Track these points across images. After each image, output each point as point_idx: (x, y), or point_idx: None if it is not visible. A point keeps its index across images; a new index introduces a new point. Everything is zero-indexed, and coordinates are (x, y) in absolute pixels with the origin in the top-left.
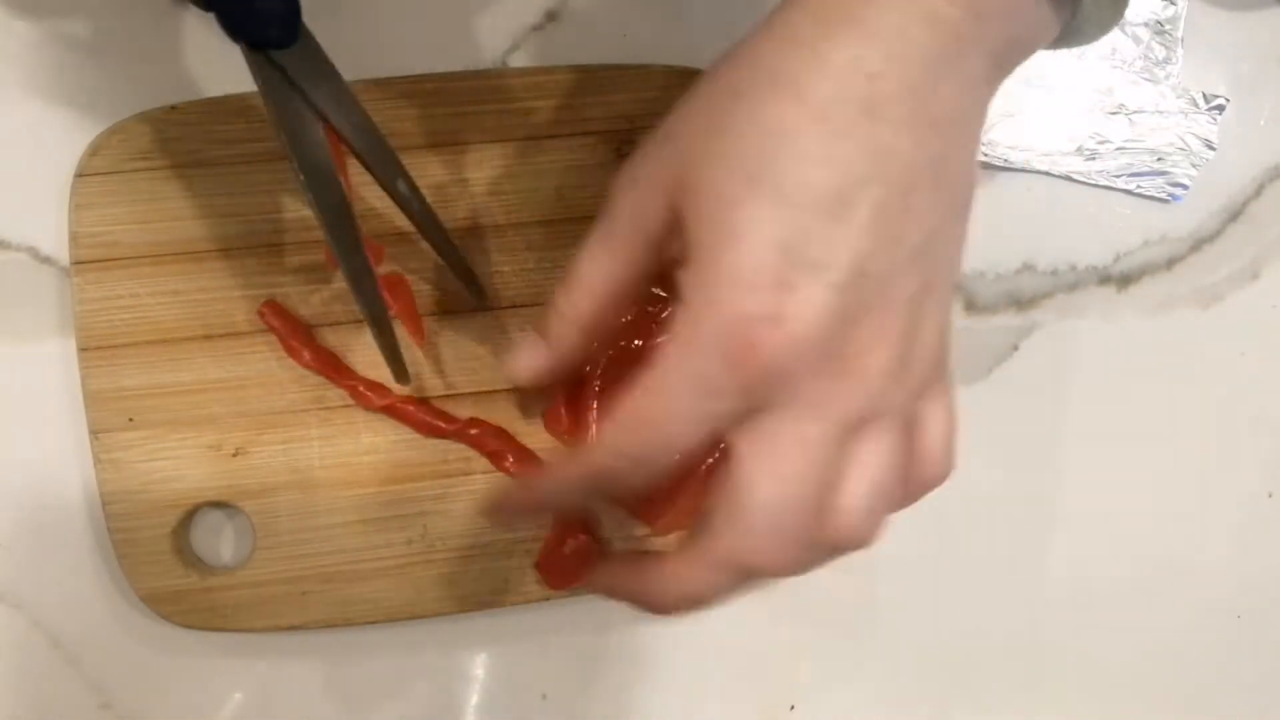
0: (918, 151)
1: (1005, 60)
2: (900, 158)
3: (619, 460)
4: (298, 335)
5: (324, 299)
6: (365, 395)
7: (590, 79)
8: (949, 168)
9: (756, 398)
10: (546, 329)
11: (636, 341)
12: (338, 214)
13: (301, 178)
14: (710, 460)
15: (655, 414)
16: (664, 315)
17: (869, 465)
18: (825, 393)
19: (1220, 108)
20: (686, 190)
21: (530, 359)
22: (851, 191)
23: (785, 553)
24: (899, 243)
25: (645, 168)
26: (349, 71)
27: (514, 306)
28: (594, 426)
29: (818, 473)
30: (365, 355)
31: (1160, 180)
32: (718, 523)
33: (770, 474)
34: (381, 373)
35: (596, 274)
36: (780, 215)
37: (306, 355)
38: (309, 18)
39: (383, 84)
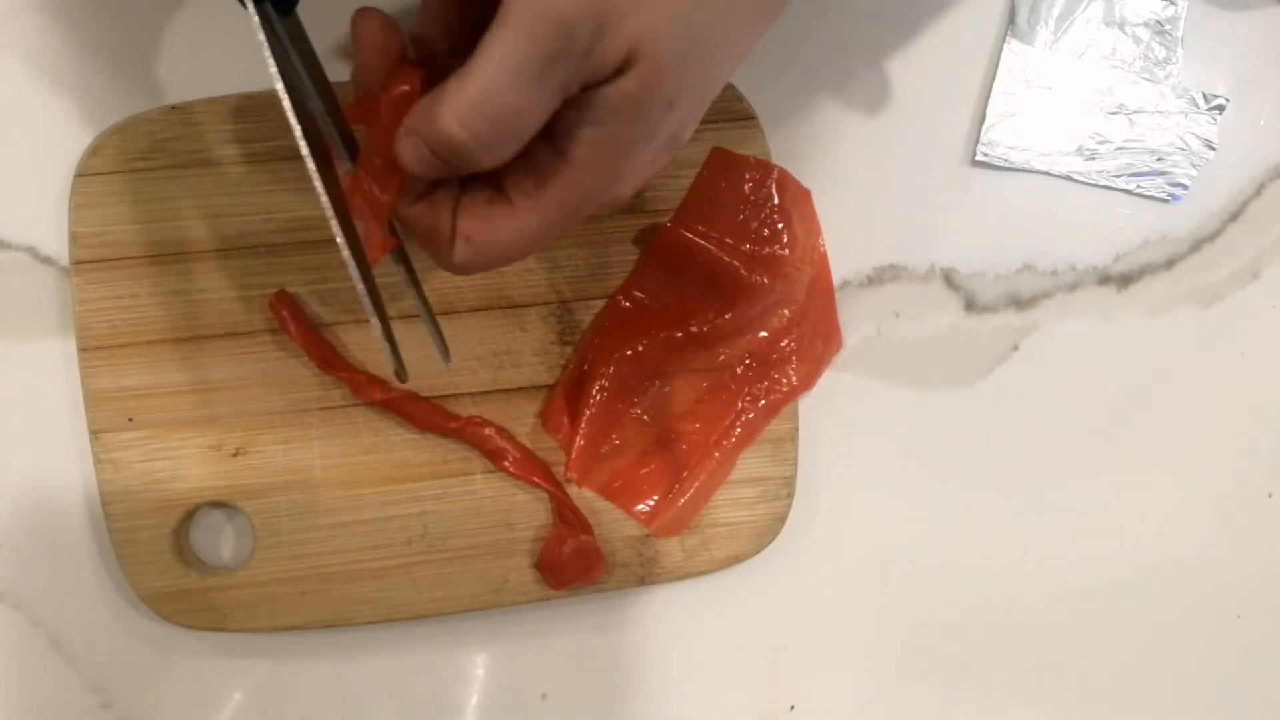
0: None
1: None
2: None
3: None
4: (305, 326)
5: (324, 299)
6: (368, 388)
7: None
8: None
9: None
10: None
11: (640, 346)
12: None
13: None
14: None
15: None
16: (661, 330)
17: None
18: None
19: (1220, 108)
20: None
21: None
22: None
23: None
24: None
25: None
26: (347, 71)
27: (514, 307)
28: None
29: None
30: (365, 354)
31: (1160, 180)
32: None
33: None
34: (383, 370)
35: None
36: None
37: (313, 343)
38: (309, 15)
39: None
